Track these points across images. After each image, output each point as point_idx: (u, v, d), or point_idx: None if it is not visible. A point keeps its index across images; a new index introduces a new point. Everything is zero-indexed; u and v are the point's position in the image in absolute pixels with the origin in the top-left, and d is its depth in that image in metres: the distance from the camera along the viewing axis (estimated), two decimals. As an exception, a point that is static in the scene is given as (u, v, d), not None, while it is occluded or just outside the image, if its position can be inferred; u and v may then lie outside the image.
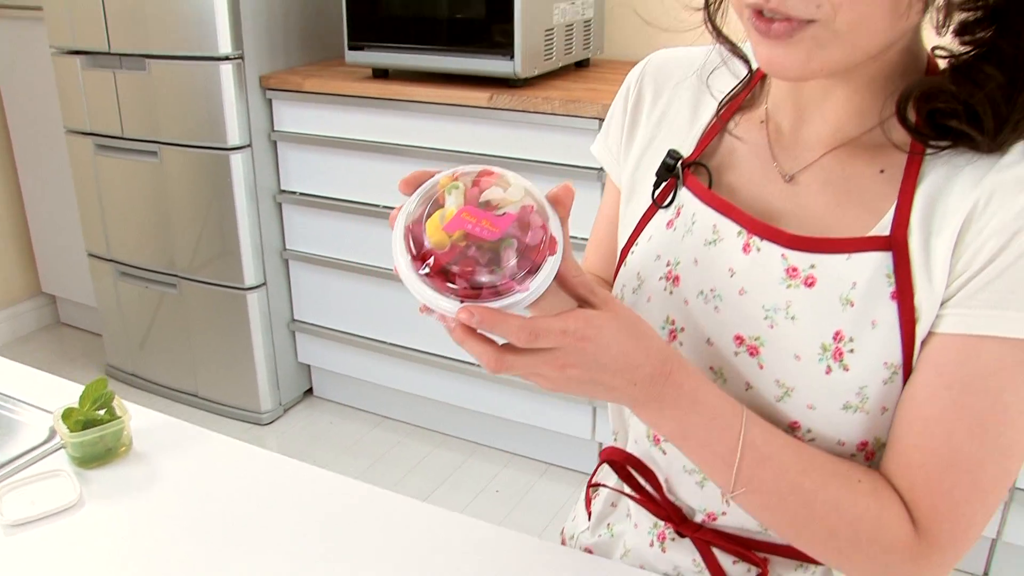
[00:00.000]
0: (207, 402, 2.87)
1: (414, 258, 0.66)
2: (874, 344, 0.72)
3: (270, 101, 2.55)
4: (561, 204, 0.69)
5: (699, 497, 0.85)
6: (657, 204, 0.86)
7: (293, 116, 2.54)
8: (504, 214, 0.66)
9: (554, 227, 0.68)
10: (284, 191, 2.65)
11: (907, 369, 0.72)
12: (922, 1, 0.66)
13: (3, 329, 3.37)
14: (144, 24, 2.48)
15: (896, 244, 0.71)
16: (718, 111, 0.86)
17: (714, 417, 0.73)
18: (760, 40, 0.69)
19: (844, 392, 0.73)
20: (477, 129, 2.25)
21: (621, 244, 0.91)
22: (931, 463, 0.70)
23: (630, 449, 0.93)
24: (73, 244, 3.15)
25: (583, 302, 0.70)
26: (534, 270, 0.65)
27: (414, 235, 0.67)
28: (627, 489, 0.92)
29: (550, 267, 0.66)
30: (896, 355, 0.71)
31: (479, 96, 2.20)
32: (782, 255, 0.76)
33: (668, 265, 0.84)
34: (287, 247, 2.72)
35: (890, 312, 0.71)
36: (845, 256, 0.73)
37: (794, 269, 0.75)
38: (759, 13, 0.67)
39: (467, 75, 2.30)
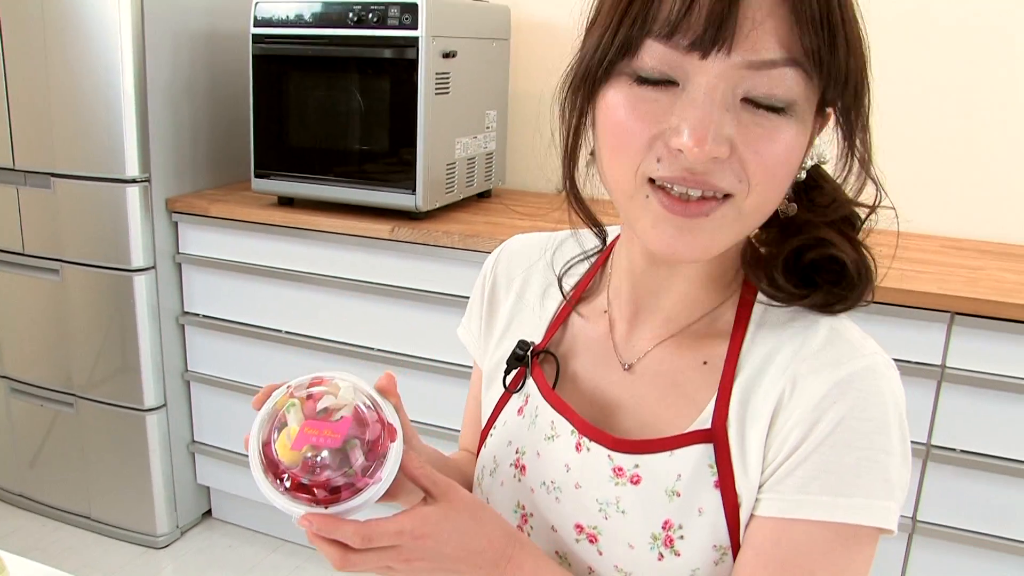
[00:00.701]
0: (100, 524, 2.79)
1: (273, 477, 0.72)
2: (701, 530, 0.77)
3: (176, 224, 2.57)
4: (390, 392, 0.77)
5: None
6: (508, 390, 0.92)
7: (198, 239, 2.56)
8: (341, 418, 0.73)
9: (389, 415, 0.76)
10: (187, 313, 2.65)
11: (736, 549, 0.77)
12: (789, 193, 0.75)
13: None
14: (51, 142, 2.49)
15: (716, 436, 0.77)
16: (559, 277, 0.93)
17: None
18: (663, 221, 0.69)
19: (678, 575, 0.78)
20: (380, 260, 2.30)
21: (483, 425, 0.96)
22: None
23: None
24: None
25: (426, 492, 0.76)
26: (381, 460, 0.73)
27: (267, 456, 0.73)
28: None
29: (395, 453, 0.74)
30: (723, 538, 0.77)
31: (381, 228, 2.25)
32: (608, 456, 0.81)
33: (517, 453, 0.89)
34: (189, 368, 2.70)
35: (714, 499, 0.77)
36: (668, 453, 0.79)
37: (620, 469, 0.80)
38: (666, 190, 0.68)
39: (370, 207, 2.36)
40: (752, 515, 0.76)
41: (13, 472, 2.92)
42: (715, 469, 0.77)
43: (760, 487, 0.76)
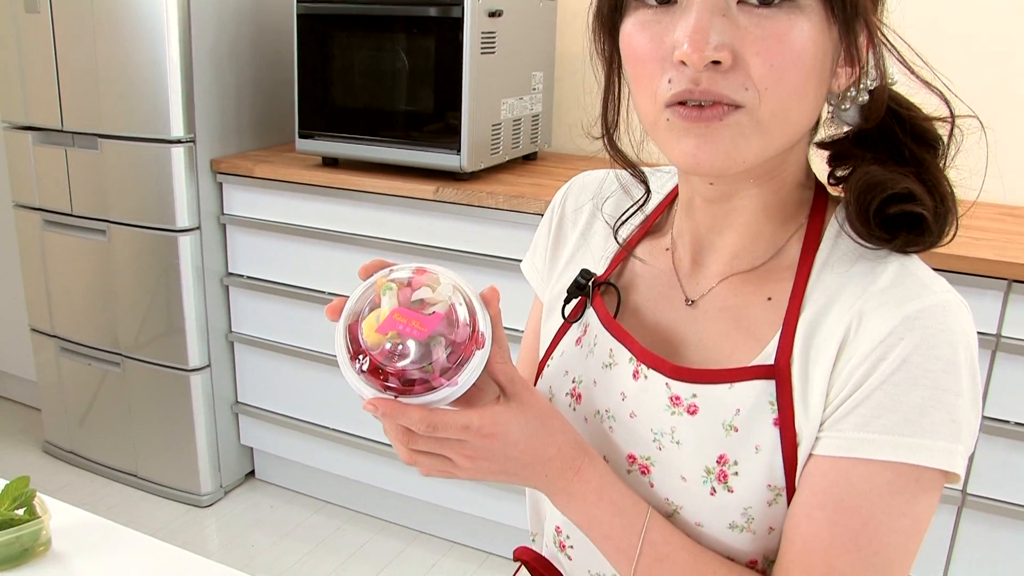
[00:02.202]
0: (146, 482, 2.83)
1: (352, 355, 0.71)
2: (757, 468, 0.75)
3: (220, 185, 2.57)
4: (489, 303, 0.74)
5: None
6: (567, 320, 0.91)
7: (243, 200, 2.56)
8: (433, 313, 0.70)
9: (483, 322, 0.72)
10: (231, 274, 2.66)
11: (791, 490, 0.75)
12: (824, 96, 0.72)
13: (-59, 401, 3.31)
14: (98, 104, 2.50)
15: (779, 372, 0.75)
16: (614, 228, 0.92)
17: (617, 513, 0.77)
18: (684, 133, 0.71)
19: (729, 512, 0.77)
20: (423, 221, 2.28)
21: (541, 356, 0.96)
22: None
23: (544, 551, 0.96)
24: (14, 317, 3.12)
25: (501, 389, 0.74)
26: (462, 364, 0.70)
27: (352, 333, 0.71)
28: None
29: (477, 361, 0.71)
30: (779, 478, 0.75)
31: (425, 188, 2.23)
32: (666, 384, 0.80)
33: (573, 382, 0.88)
34: (233, 330, 2.71)
35: (772, 437, 0.75)
36: (727, 386, 0.77)
37: (677, 398, 0.79)
38: (683, 104, 0.70)
39: (414, 167, 2.34)
40: (810, 454, 0.74)
41: (64, 430, 2.96)
42: (775, 406, 0.75)
43: (821, 426, 0.74)
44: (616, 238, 0.92)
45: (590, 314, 0.89)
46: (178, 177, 2.48)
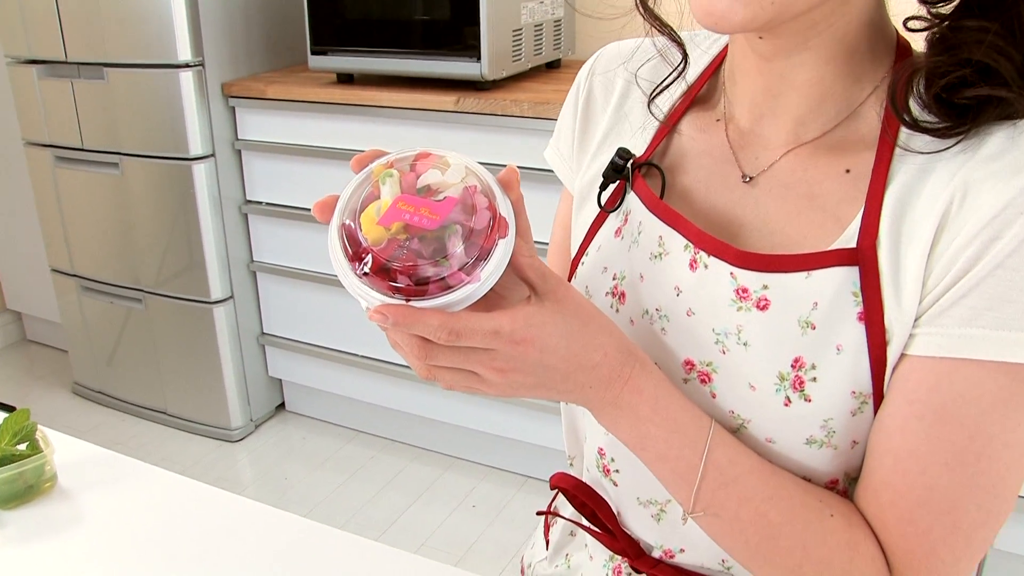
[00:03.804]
0: (176, 419, 2.79)
1: (351, 257, 0.60)
2: (838, 371, 0.64)
3: (233, 109, 2.48)
4: (509, 186, 0.61)
5: (655, 532, 0.78)
6: (604, 209, 0.79)
7: (257, 124, 2.47)
8: (445, 199, 0.59)
9: (503, 207, 0.61)
10: (250, 201, 2.57)
11: (878, 398, 0.64)
12: None
13: (-32, 348, 3.29)
14: (101, 31, 2.40)
15: (863, 257, 0.63)
16: (649, 97, 0.79)
17: (675, 430, 0.65)
18: None
19: (806, 425, 0.66)
20: (444, 134, 2.18)
21: (573, 253, 0.84)
22: (904, 502, 0.63)
23: (585, 477, 0.85)
24: (38, 260, 3.06)
25: (532, 288, 0.62)
26: (484, 257, 0.59)
27: (349, 233, 0.60)
28: (583, 520, 0.85)
29: (501, 252, 0.59)
30: (865, 383, 0.64)
31: (446, 100, 2.13)
32: (730, 274, 0.68)
33: (615, 279, 0.77)
34: (254, 259, 2.64)
35: (856, 335, 0.64)
36: (804, 274, 0.65)
37: (744, 290, 0.67)
38: None
39: (433, 78, 2.24)
40: (904, 355, 0.63)
41: (92, 370, 2.93)
42: (859, 298, 0.63)
43: (916, 321, 0.62)
44: (651, 109, 0.79)
45: (631, 200, 0.76)
46: (188, 103, 2.39)
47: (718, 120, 0.76)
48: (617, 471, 0.78)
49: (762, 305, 0.67)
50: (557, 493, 0.92)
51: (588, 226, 0.81)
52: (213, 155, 2.47)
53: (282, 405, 2.90)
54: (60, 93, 2.56)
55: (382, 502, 2.43)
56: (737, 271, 0.68)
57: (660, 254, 0.73)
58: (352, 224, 0.60)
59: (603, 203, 0.79)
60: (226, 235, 2.56)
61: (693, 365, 0.70)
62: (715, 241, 0.69)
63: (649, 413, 0.65)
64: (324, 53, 2.33)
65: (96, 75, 2.47)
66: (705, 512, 0.66)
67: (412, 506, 2.41)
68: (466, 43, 2.13)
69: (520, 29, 2.23)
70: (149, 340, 2.73)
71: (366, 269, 0.59)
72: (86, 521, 0.90)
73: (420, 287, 0.58)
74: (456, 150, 0.64)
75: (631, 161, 0.76)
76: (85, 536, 0.88)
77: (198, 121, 2.41)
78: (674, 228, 0.72)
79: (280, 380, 2.85)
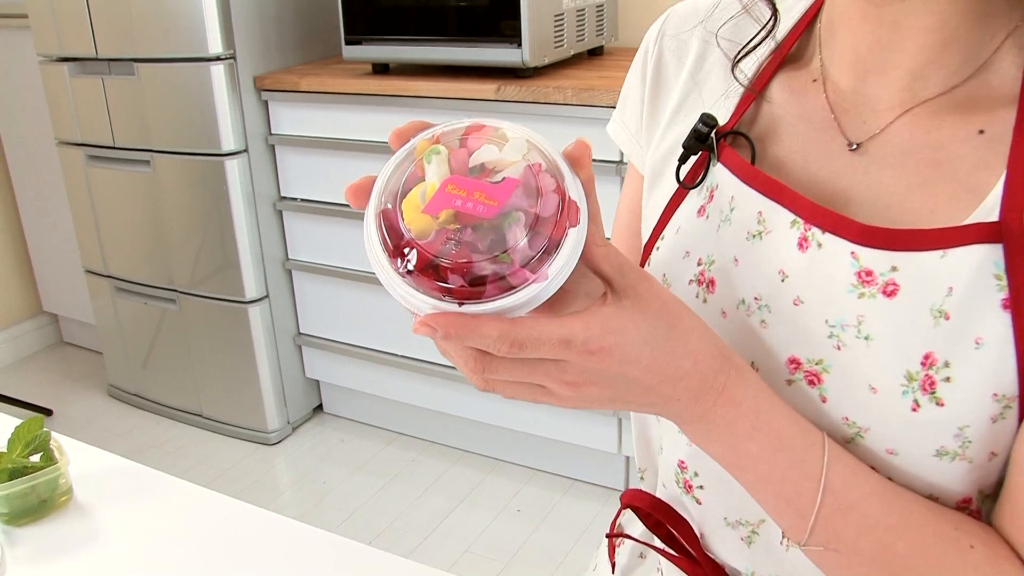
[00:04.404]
0: (212, 422, 2.73)
1: (392, 253, 0.50)
2: (978, 370, 0.54)
3: (266, 103, 2.41)
4: (579, 164, 0.52)
5: (744, 557, 0.68)
6: (684, 185, 0.69)
7: (291, 118, 2.39)
8: (504, 180, 0.50)
9: (573, 189, 0.51)
10: (284, 198, 2.50)
11: None
12: None
13: (4, 350, 3.25)
14: (131, 26, 2.34)
15: (1009, 232, 0.53)
16: (734, 61, 0.69)
17: (780, 448, 0.56)
18: None
19: (937, 434, 0.55)
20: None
21: (645, 238, 0.74)
22: None
23: (659, 493, 0.75)
24: (73, 261, 3.02)
25: (607, 283, 0.53)
26: (552, 250, 0.49)
27: (389, 222, 0.51)
28: (657, 542, 0.75)
29: (572, 243, 0.49)
30: (1009, 383, 0.53)
31: (486, 88, 2.04)
32: (852, 253, 0.57)
33: (700, 264, 0.66)
34: (290, 257, 2.57)
35: (1000, 326, 0.53)
36: (939, 253, 0.55)
37: (868, 273, 0.57)
38: None
39: (472, 66, 2.15)
40: None
41: (127, 372, 2.88)
42: (1003, 281, 0.53)
43: None
44: (735, 74, 0.69)
45: (718, 173, 0.66)
46: (220, 97, 2.32)
47: (814, 81, 0.66)
48: (701, 487, 0.68)
49: (889, 291, 0.56)
50: (622, 508, 0.82)
51: (664, 206, 0.71)
52: (246, 150, 2.40)
53: (320, 407, 2.83)
54: (91, 90, 2.51)
55: (424, 506, 2.35)
56: (860, 250, 0.57)
57: (759, 233, 0.62)
58: (392, 211, 0.51)
59: (682, 178, 0.69)
60: (260, 233, 2.49)
61: (799, 364, 0.60)
62: (832, 214, 0.59)
63: (748, 429, 0.56)
64: (358, 43, 2.25)
65: (127, 71, 2.41)
66: (818, 544, 0.56)
67: (455, 511, 2.33)
68: (506, 28, 2.04)
69: (562, 14, 2.13)
70: (184, 341, 2.67)
71: (410, 266, 0.49)
72: (103, 538, 0.83)
73: (475, 288, 0.49)
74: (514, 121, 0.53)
75: (715, 129, 0.66)
76: (103, 555, 0.81)
77: (230, 116, 2.34)
78: (777, 202, 0.62)
79: (317, 381, 2.78)
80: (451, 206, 0.48)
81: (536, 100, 1.99)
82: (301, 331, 2.66)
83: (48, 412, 2.86)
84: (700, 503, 0.69)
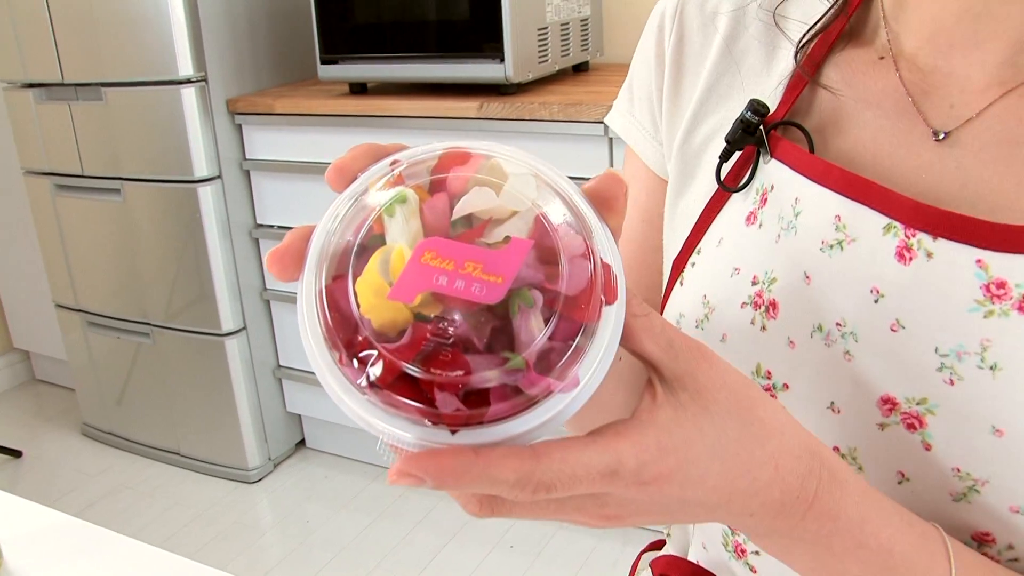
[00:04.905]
0: (190, 460, 2.61)
1: (343, 358, 0.35)
2: None
3: (239, 127, 2.31)
4: (609, 206, 0.39)
5: None
6: (726, 188, 0.58)
7: (266, 142, 2.30)
8: (509, 241, 0.35)
9: (606, 248, 0.37)
10: (260, 225, 2.40)
11: None
12: None
13: (-26, 389, 3.13)
14: (98, 49, 2.25)
15: None
16: (798, 46, 0.57)
17: (891, 567, 0.43)
18: None
19: None
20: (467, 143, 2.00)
21: (672, 255, 0.63)
22: None
23: (695, 556, 0.64)
24: (43, 295, 2.90)
25: (654, 369, 0.40)
26: (583, 341, 0.35)
27: (336, 308, 0.35)
28: None
29: (611, 329, 0.35)
30: None
31: (468, 106, 1.95)
32: (977, 261, 0.47)
33: (756, 284, 0.55)
34: (267, 287, 2.47)
35: None
36: None
37: (1001, 285, 0.46)
38: None
39: (453, 83, 2.07)
40: None
41: (102, 410, 2.76)
42: None
43: None
44: (797, 59, 0.57)
45: (772, 171, 0.55)
46: (192, 121, 2.22)
47: (881, 58, 0.55)
48: (756, 553, 0.57)
49: (1022, 305, 0.46)
50: (637, 566, 0.71)
51: (698, 213, 0.60)
52: (220, 177, 2.30)
53: (302, 442, 2.72)
54: (58, 117, 2.41)
55: (414, 543, 2.24)
56: (990, 256, 0.46)
57: (839, 242, 0.51)
58: (339, 290, 0.35)
59: (723, 178, 0.58)
60: (236, 262, 2.39)
61: (896, 405, 0.49)
62: (948, 215, 0.47)
63: (850, 547, 0.43)
64: (335, 62, 2.16)
65: (94, 96, 2.32)
66: None
67: (446, 547, 2.22)
68: (488, 43, 1.95)
69: (546, 28, 2.05)
70: (159, 377, 2.56)
71: (371, 377, 0.34)
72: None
73: (475, 406, 0.34)
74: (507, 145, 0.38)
75: (764, 117, 0.55)
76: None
77: (202, 140, 2.24)
78: (863, 203, 0.50)
79: (299, 416, 2.67)
80: (432, 287, 0.34)
81: (521, 117, 1.90)
82: (281, 363, 2.55)
83: (18, 454, 2.74)
84: (755, 572, 0.58)
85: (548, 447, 0.35)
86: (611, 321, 0.35)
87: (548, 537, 2.23)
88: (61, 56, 2.32)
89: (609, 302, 0.36)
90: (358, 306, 0.34)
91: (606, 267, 0.36)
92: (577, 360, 0.34)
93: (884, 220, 0.49)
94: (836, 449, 0.52)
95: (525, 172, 0.37)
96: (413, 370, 0.33)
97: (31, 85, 2.43)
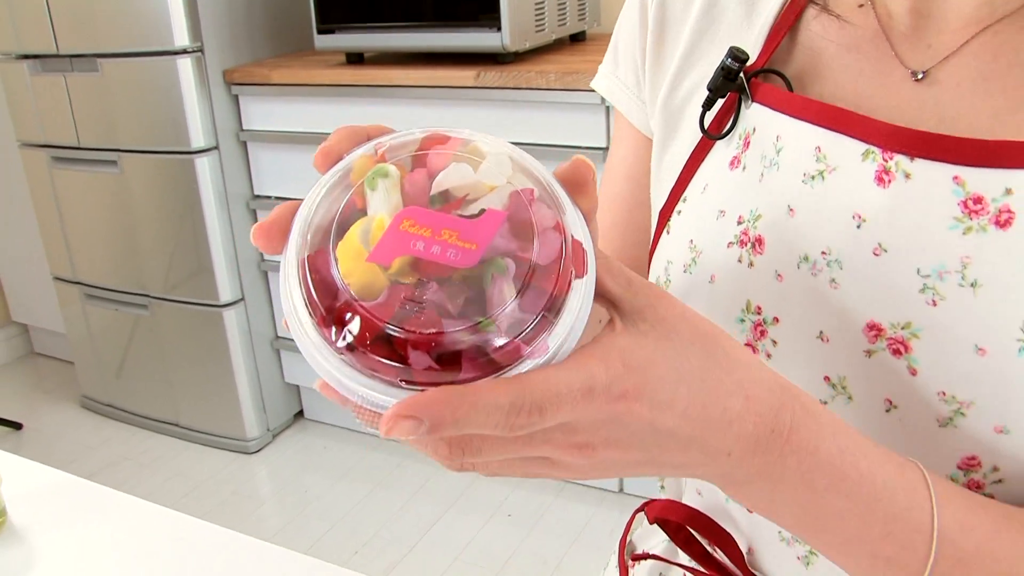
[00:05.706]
0: (189, 431, 2.63)
1: (322, 320, 0.36)
2: None
3: (236, 97, 2.31)
4: (579, 189, 0.39)
5: None
6: (709, 135, 0.58)
7: (262, 112, 2.30)
8: (483, 213, 0.37)
9: (576, 225, 0.38)
10: (258, 196, 2.40)
11: None
12: None
13: (-27, 363, 3.14)
14: (92, 19, 2.24)
15: None
16: None
17: (877, 498, 0.43)
18: None
19: None
20: (465, 112, 2.00)
21: (658, 205, 0.63)
22: None
23: (690, 500, 0.65)
24: (41, 268, 2.91)
25: (613, 306, 0.40)
26: (553, 310, 0.36)
27: (317, 274, 0.36)
28: (686, 559, 0.65)
29: (580, 300, 0.37)
30: None
31: (465, 75, 1.95)
32: (954, 178, 0.47)
33: (741, 223, 0.55)
34: (265, 258, 2.47)
35: None
36: None
37: (977, 200, 0.46)
38: None
39: (450, 53, 2.07)
40: None
41: (100, 382, 2.77)
42: None
43: None
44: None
45: (754, 115, 0.56)
46: (188, 92, 2.22)
47: (860, 6, 0.56)
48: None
49: (1003, 220, 0.46)
50: (633, 517, 0.72)
51: (682, 164, 0.61)
52: (217, 148, 2.30)
53: (300, 413, 2.73)
54: (53, 88, 2.40)
55: (411, 513, 2.26)
56: (967, 172, 0.46)
57: (820, 172, 0.52)
58: (322, 258, 0.36)
59: (707, 126, 0.59)
60: (234, 233, 2.39)
61: (881, 330, 0.49)
62: (923, 134, 0.47)
63: (833, 480, 0.42)
64: (331, 32, 2.16)
65: (90, 67, 2.31)
66: None
67: (443, 517, 2.24)
68: (485, 11, 1.95)
69: (542, -4, 2.05)
70: (157, 349, 2.57)
71: (350, 340, 0.35)
72: (40, 567, 0.73)
73: (448, 367, 0.35)
74: (485, 128, 0.40)
75: (744, 66, 0.56)
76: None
77: (199, 111, 2.24)
78: (842, 132, 0.50)
79: (297, 386, 2.68)
80: (409, 251, 0.35)
81: (518, 86, 1.90)
82: (279, 334, 2.56)
83: (18, 426, 2.75)
84: (751, 511, 0.57)
85: (527, 374, 0.36)
86: (581, 293, 0.37)
87: (546, 506, 2.24)
88: (55, 27, 2.31)
89: (579, 275, 0.37)
90: (338, 269, 0.36)
91: (577, 243, 0.37)
92: (546, 328, 0.36)
93: (862, 147, 0.50)
94: (826, 379, 0.52)
95: (502, 153, 0.39)
96: (390, 328, 0.35)
97: (25, 56, 2.42)
